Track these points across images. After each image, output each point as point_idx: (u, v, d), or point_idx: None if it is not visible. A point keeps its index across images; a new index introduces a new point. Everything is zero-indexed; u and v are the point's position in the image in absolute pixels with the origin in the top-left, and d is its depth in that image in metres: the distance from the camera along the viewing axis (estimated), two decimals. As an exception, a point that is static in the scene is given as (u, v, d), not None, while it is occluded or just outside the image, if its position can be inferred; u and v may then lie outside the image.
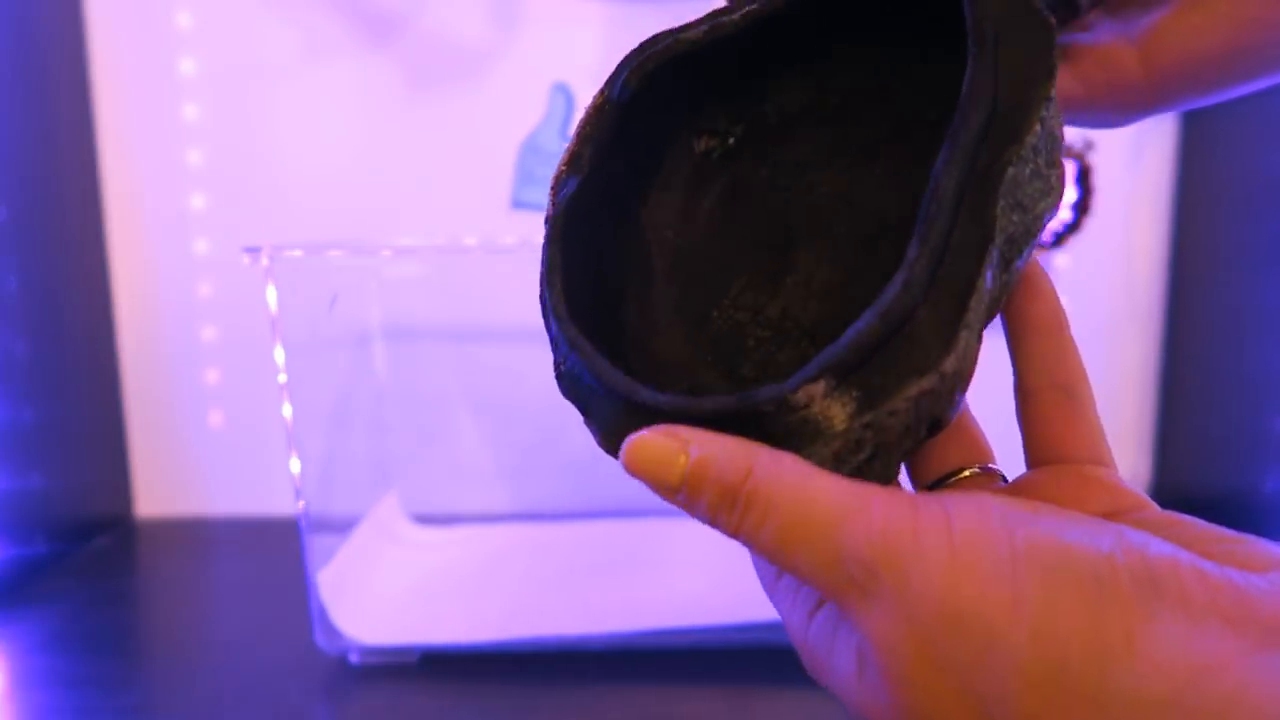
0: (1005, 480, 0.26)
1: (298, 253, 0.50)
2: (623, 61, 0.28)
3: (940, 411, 0.22)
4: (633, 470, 0.22)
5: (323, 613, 0.50)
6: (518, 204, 0.71)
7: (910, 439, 0.22)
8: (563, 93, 0.71)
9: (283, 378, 0.50)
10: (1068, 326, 0.26)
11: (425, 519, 0.68)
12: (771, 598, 0.24)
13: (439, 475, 0.72)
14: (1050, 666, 0.18)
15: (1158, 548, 0.19)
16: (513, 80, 0.71)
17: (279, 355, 0.50)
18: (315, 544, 0.51)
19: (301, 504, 0.51)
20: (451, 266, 0.68)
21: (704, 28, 0.28)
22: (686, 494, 0.21)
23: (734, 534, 0.21)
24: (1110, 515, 0.23)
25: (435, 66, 0.72)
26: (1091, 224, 0.71)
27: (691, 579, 0.59)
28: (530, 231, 0.71)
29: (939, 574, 0.19)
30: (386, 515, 0.66)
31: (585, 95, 0.70)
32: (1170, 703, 0.17)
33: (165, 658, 0.54)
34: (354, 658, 0.51)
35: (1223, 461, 0.67)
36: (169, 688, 0.49)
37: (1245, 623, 0.17)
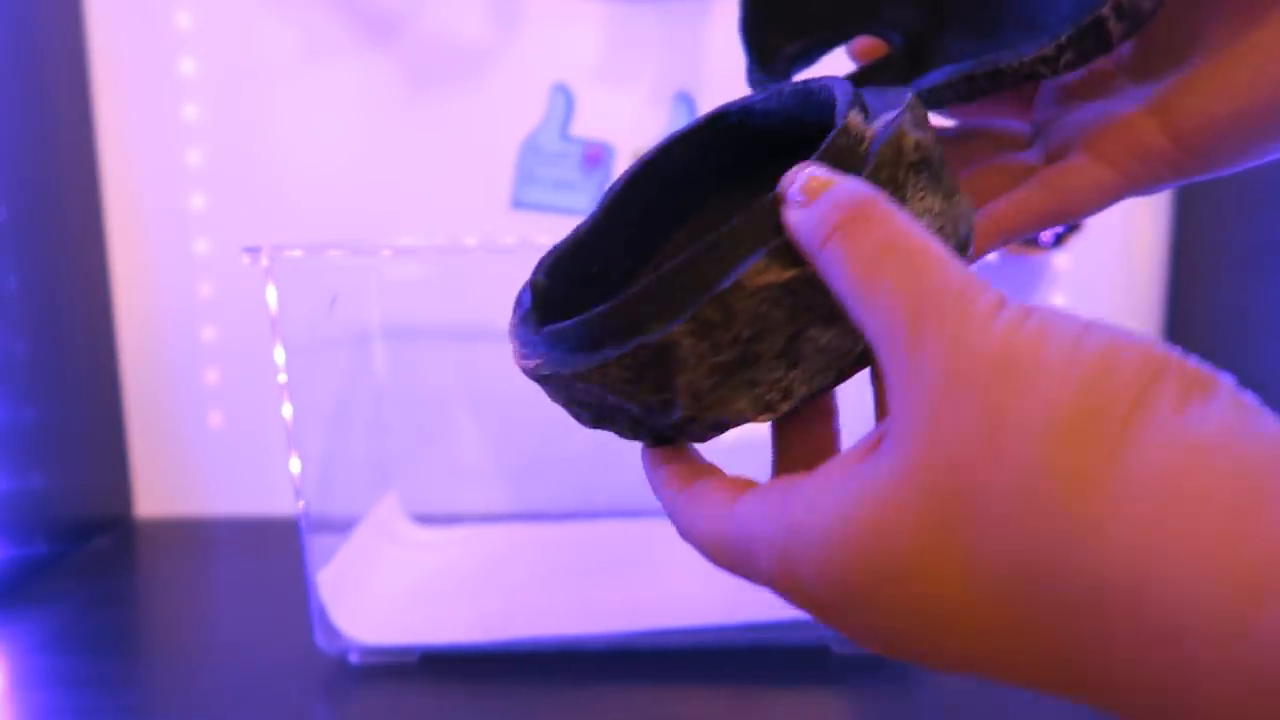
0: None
1: (298, 253, 0.50)
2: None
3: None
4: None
5: (323, 613, 0.50)
6: (518, 204, 0.71)
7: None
8: (563, 93, 0.71)
9: (283, 378, 0.50)
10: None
11: (425, 519, 0.68)
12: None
13: (439, 475, 0.72)
14: (1088, 410, 0.17)
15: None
16: (513, 80, 0.71)
17: (279, 355, 0.50)
18: (315, 544, 0.51)
19: (301, 504, 0.51)
20: (451, 266, 0.68)
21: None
22: (809, 200, 0.22)
23: (831, 236, 0.21)
24: None
25: (435, 66, 0.72)
26: (1091, 224, 0.71)
27: (692, 579, 0.59)
28: (530, 231, 0.71)
29: (1003, 325, 0.19)
30: (386, 515, 0.66)
31: (585, 95, 0.70)
32: (1203, 449, 0.17)
33: (165, 658, 0.54)
34: (354, 658, 0.51)
35: (1223, 461, 0.66)
36: (169, 688, 0.49)
37: None
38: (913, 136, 0.23)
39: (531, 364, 0.26)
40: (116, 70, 0.71)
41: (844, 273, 0.21)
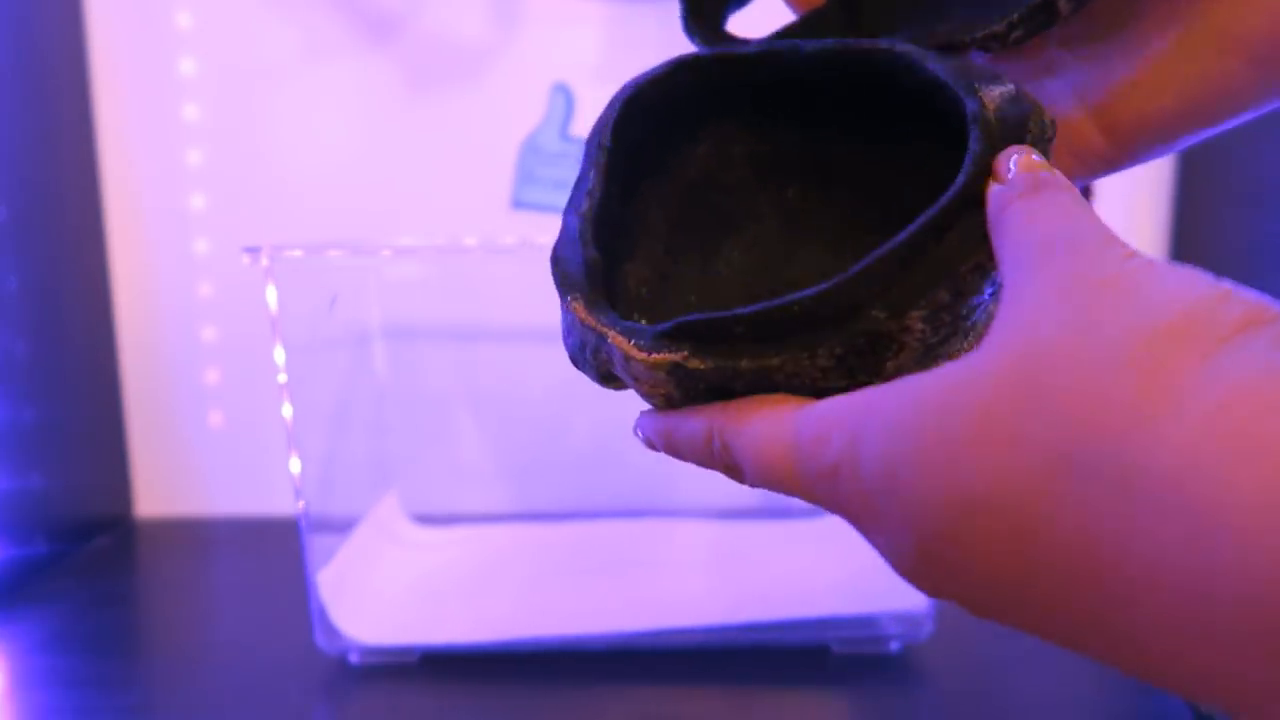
0: None
1: (298, 253, 0.50)
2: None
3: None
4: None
5: (323, 613, 0.50)
6: (518, 204, 0.71)
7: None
8: (563, 93, 0.71)
9: (283, 378, 0.50)
10: None
11: (425, 519, 0.68)
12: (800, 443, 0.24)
13: (439, 475, 0.72)
14: (1181, 331, 0.17)
15: None
16: (513, 80, 0.71)
17: (279, 355, 0.50)
18: (315, 544, 0.51)
19: (301, 504, 0.51)
20: (451, 266, 0.68)
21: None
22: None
23: (1023, 195, 0.22)
24: None
25: (435, 66, 0.72)
26: (1091, 224, 0.71)
27: (691, 579, 0.59)
28: (530, 231, 0.71)
29: (1127, 258, 0.19)
30: (386, 515, 0.66)
31: (585, 95, 0.70)
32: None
33: (165, 658, 0.54)
34: (354, 658, 0.51)
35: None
36: (169, 688, 0.49)
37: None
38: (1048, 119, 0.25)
39: (669, 357, 0.25)
40: (116, 70, 0.71)
41: (1017, 223, 0.22)
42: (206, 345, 0.74)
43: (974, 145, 0.24)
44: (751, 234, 0.32)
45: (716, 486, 0.73)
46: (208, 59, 0.71)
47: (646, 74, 0.30)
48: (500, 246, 0.53)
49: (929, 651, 0.52)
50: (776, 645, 0.52)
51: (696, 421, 0.26)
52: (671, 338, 0.25)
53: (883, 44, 0.27)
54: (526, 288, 0.73)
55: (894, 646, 0.52)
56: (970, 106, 0.24)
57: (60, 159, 0.68)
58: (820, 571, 0.58)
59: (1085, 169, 0.29)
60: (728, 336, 0.24)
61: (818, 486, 0.23)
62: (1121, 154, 0.28)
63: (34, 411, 0.64)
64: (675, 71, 0.30)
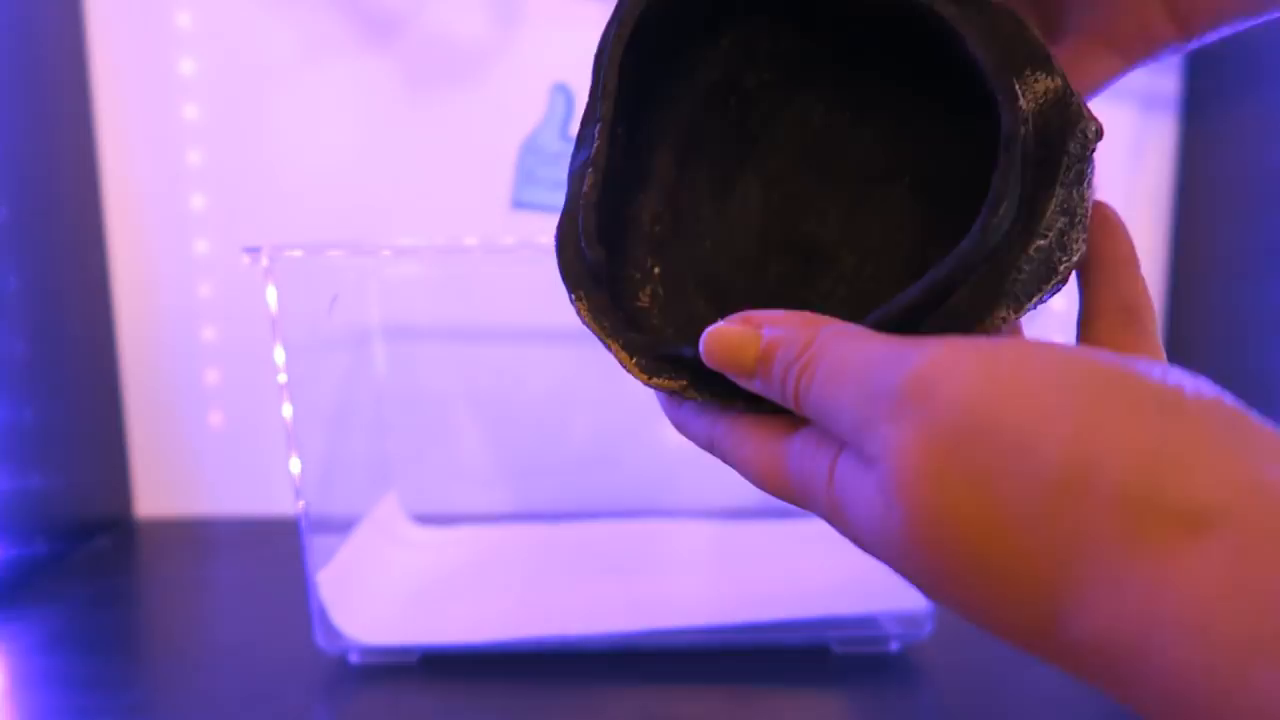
0: None
1: (298, 253, 0.50)
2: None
3: None
4: (712, 359, 0.23)
5: (323, 613, 0.50)
6: (518, 204, 0.71)
7: None
8: (563, 93, 0.71)
9: (283, 378, 0.50)
10: (1138, 265, 0.25)
11: (425, 519, 0.68)
12: (791, 464, 0.23)
13: (439, 475, 0.72)
14: (1081, 471, 0.16)
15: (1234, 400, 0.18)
16: (513, 80, 0.71)
17: (279, 355, 0.50)
18: (315, 544, 0.51)
19: (301, 504, 0.51)
20: (451, 266, 0.68)
21: None
22: (760, 376, 0.23)
23: (794, 399, 0.22)
24: None
25: (435, 66, 0.72)
26: (1091, 224, 0.71)
27: (691, 579, 0.59)
28: (530, 231, 0.71)
29: (969, 386, 0.18)
30: (386, 515, 0.66)
31: (585, 95, 0.70)
32: (1216, 512, 0.16)
33: (165, 658, 0.54)
34: (354, 658, 0.51)
35: (1223, 461, 0.66)
36: (169, 688, 0.49)
37: None
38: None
39: (669, 383, 0.25)
40: (116, 70, 0.71)
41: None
42: (206, 345, 0.74)
43: (997, 184, 0.22)
44: (769, 165, 0.30)
45: (716, 486, 0.73)
46: (208, 59, 0.71)
47: None
48: (500, 246, 0.53)
49: (929, 651, 0.52)
50: (776, 645, 0.52)
51: (698, 425, 0.26)
52: (673, 364, 0.25)
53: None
54: (526, 288, 0.73)
55: (894, 646, 0.52)
56: (1006, 123, 0.23)
57: (60, 159, 0.68)
58: (820, 571, 0.58)
59: (1151, 56, 0.28)
60: (726, 379, 0.24)
61: (813, 504, 0.23)
62: (1187, 37, 0.27)
63: (34, 411, 0.64)
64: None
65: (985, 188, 0.23)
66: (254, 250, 0.48)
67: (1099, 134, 0.24)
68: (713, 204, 0.30)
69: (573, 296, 0.27)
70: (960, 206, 0.26)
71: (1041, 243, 0.23)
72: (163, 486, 0.76)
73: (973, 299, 0.23)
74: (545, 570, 0.62)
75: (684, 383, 0.25)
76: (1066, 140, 0.24)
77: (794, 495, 0.24)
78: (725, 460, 0.26)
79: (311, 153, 0.72)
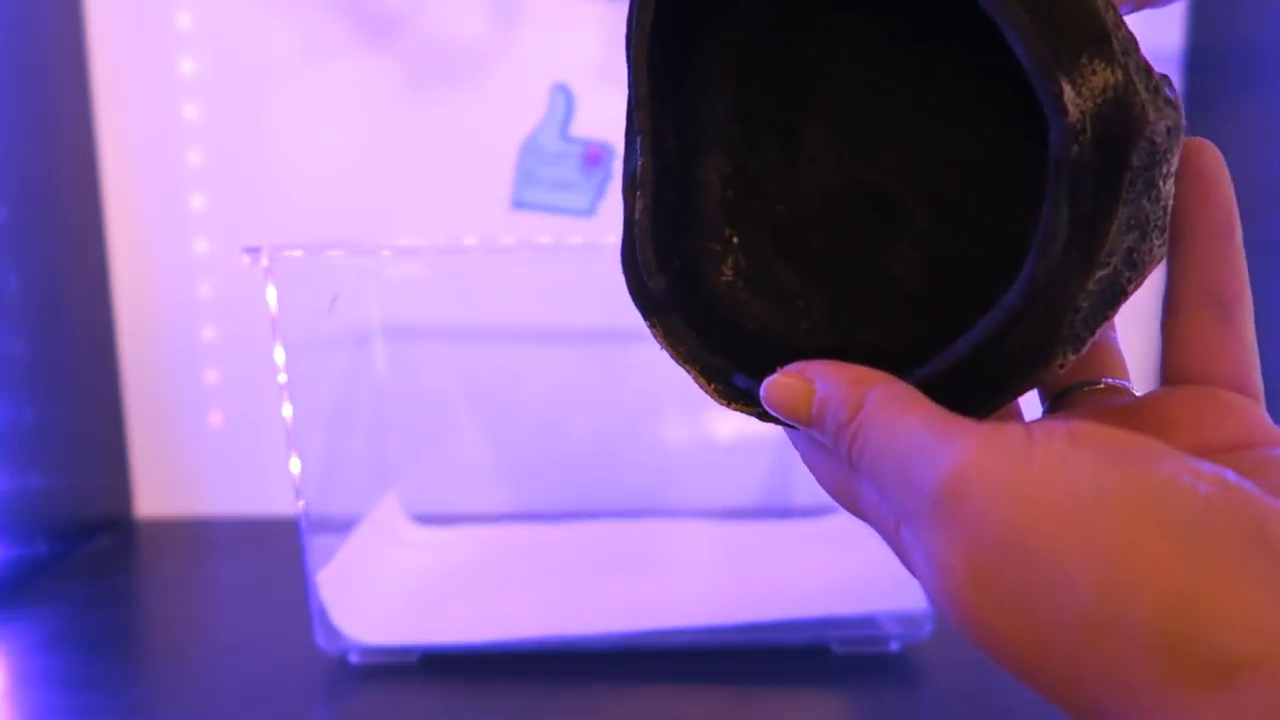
0: (1134, 396, 0.24)
1: (298, 253, 0.49)
2: None
3: None
4: (772, 408, 0.24)
5: (323, 613, 0.50)
6: (518, 204, 0.71)
7: None
8: (563, 93, 0.71)
9: (283, 378, 0.50)
10: (1238, 234, 0.23)
11: (425, 519, 0.68)
12: (863, 503, 0.24)
13: (439, 475, 0.72)
14: (1115, 614, 0.17)
15: (1271, 500, 0.17)
16: (513, 80, 0.71)
17: (279, 355, 0.50)
18: (315, 544, 0.51)
19: (301, 504, 0.50)
20: (451, 266, 0.68)
21: None
22: (817, 428, 0.23)
23: (848, 460, 0.22)
24: (1241, 448, 0.21)
25: (435, 66, 0.72)
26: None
27: (691, 579, 0.59)
28: (530, 232, 0.71)
29: (1005, 507, 0.18)
30: (386, 515, 0.66)
31: (585, 95, 0.70)
32: (1250, 661, 0.16)
33: (165, 658, 0.54)
34: (354, 658, 0.51)
35: (1223, 461, 0.66)
36: (169, 688, 0.49)
37: None
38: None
39: (745, 409, 0.25)
40: (116, 70, 0.71)
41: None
42: (206, 345, 0.74)
43: (1047, 220, 0.20)
44: (832, 111, 0.28)
45: (716, 486, 0.73)
46: (208, 59, 0.71)
47: None
48: (500, 246, 0.53)
49: (929, 651, 0.52)
50: (776, 645, 0.52)
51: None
52: (748, 393, 0.25)
53: None
54: (526, 288, 0.73)
55: (894, 646, 0.52)
56: (1054, 142, 0.20)
57: (60, 159, 0.68)
58: (820, 571, 0.58)
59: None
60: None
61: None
62: None
63: (34, 411, 0.64)
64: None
65: None
66: (254, 250, 0.48)
67: (1171, 131, 0.21)
68: (780, 160, 0.28)
69: (648, 322, 0.26)
70: (1033, 151, 0.23)
71: (1103, 273, 0.20)
72: (163, 486, 0.76)
73: (1024, 349, 0.21)
74: (545, 570, 0.62)
75: (759, 410, 0.25)
76: (1129, 151, 0.20)
77: (868, 521, 0.24)
78: (807, 466, 0.26)
79: (311, 153, 0.72)
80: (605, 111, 0.72)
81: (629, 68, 0.26)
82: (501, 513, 0.71)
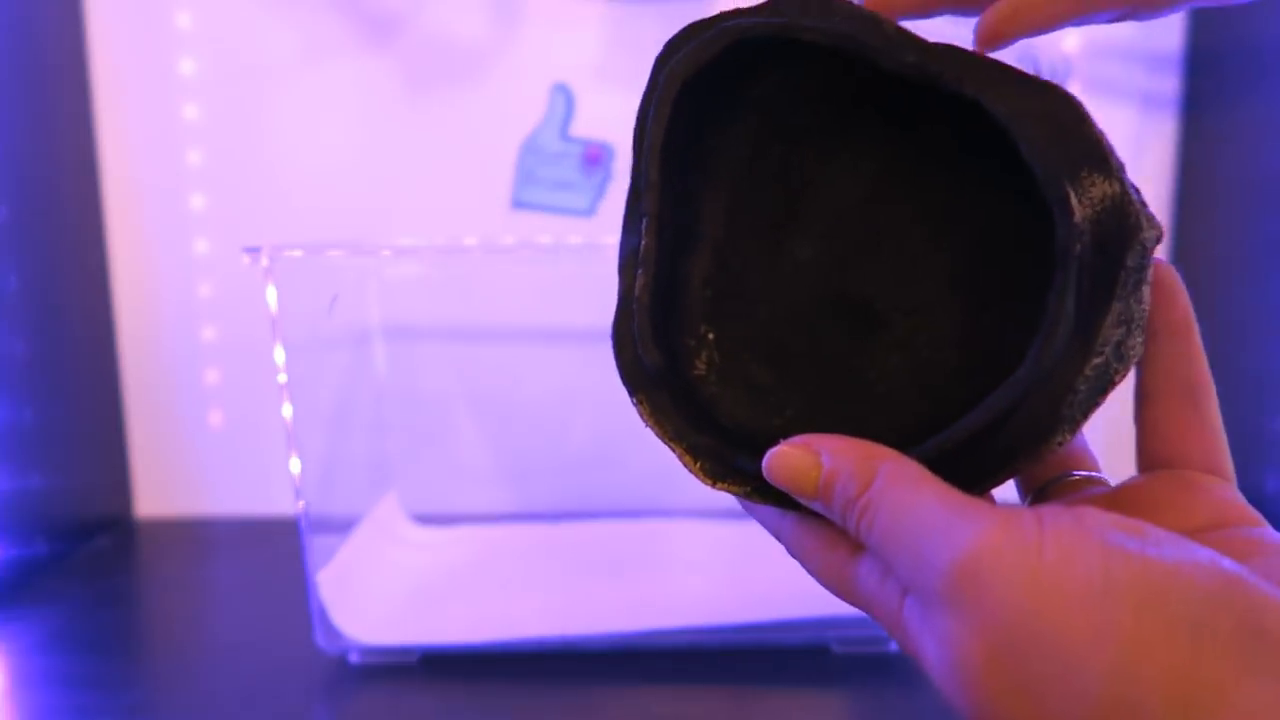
0: (1108, 485, 0.26)
1: (298, 253, 0.49)
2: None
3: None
4: (774, 479, 0.24)
5: (323, 613, 0.50)
6: (518, 204, 0.71)
7: None
8: (563, 93, 0.71)
9: (283, 378, 0.50)
10: (1196, 332, 0.25)
11: (425, 519, 0.68)
12: (860, 584, 0.24)
13: (439, 475, 0.72)
14: (1126, 703, 0.18)
15: (1264, 586, 0.18)
16: (513, 80, 0.71)
17: (279, 355, 0.50)
18: (315, 544, 0.51)
19: (301, 504, 0.51)
20: (451, 266, 0.68)
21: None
22: (823, 501, 0.23)
23: (856, 535, 0.23)
24: (1217, 528, 0.22)
25: (435, 66, 0.72)
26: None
27: (691, 579, 0.59)
28: (530, 232, 0.71)
29: (1020, 594, 0.19)
30: (386, 515, 0.66)
31: (585, 95, 0.70)
32: None
33: (165, 658, 0.54)
34: (354, 658, 0.51)
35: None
36: (169, 688, 0.49)
37: None
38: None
39: (732, 488, 0.26)
40: (116, 70, 0.71)
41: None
42: (206, 345, 0.74)
43: (1053, 307, 0.22)
44: (817, 223, 0.29)
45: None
46: (208, 59, 0.71)
47: (684, 64, 0.27)
48: (500, 246, 0.53)
49: (929, 651, 0.52)
50: (776, 645, 0.52)
51: (766, 515, 0.27)
52: (736, 472, 0.26)
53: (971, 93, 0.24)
54: (526, 288, 0.73)
55: (894, 646, 0.52)
56: (1061, 238, 0.22)
57: (60, 159, 0.68)
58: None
59: (1154, 7, 0.27)
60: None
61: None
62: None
63: (34, 411, 0.64)
64: (723, 53, 0.27)
65: (1038, 245, 0.23)
66: (254, 250, 0.48)
67: (1159, 239, 0.23)
68: (763, 265, 0.29)
69: (634, 399, 0.27)
70: (1014, 262, 0.26)
71: (1098, 360, 0.23)
72: (163, 486, 0.76)
73: (1028, 426, 0.23)
74: (545, 570, 0.62)
75: (748, 489, 0.26)
76: (1124, 253, 0.23)
77: (862, 607, 0.24)
78: (791, 553, 0.26)
79: (311, 153, 0.72)
80: (605, 111, 0.72)
81: (635, 149, 0.27)
82: (501, 513, 0.71)
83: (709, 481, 0.26)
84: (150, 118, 0.72)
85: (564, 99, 0.71)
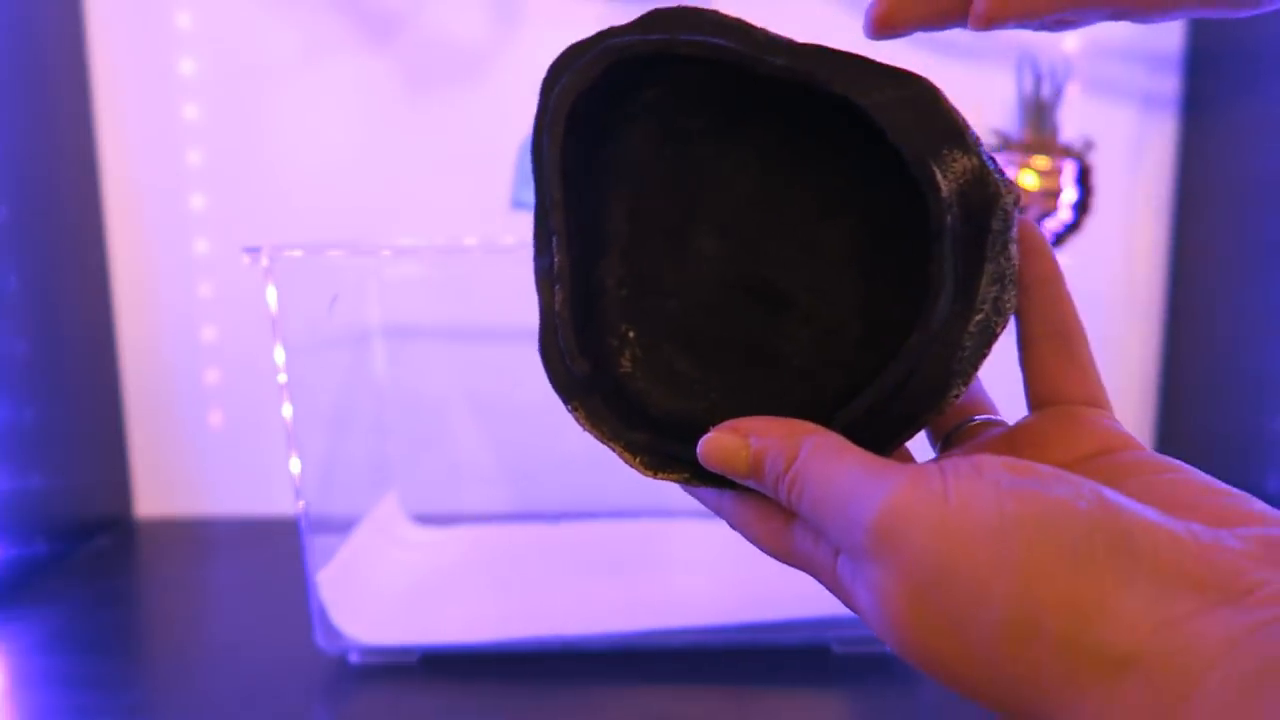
0: (1006, 425, 0.28)
1: (298, 253, 0.50)
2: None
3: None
4: (709, 464, 0.26)
5: (323, 613, 0.50)
6: (518, 204, 0.71)
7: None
8: (563, 93, 0.71)
9: (283, 378, 0.50)
10: (1064, 281, 0.28)
11: (425, 519, 0.68)
12: (796, 546, 0.26)
13: (439, 475, 0.72)
14: (1028, 623, 0.20)
15: (1136, 509, 0.21)
16: (513, 80, 0.71)
17: (279, 355, 0.50)
18: (315, 544, 0.51)
19: (301, 504, 0.51)
20: (451, 266, 0.68)
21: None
22: (754, 479, 0.26)
23: (788, 505, 0.25)
24: (1101, 454, 0.25)
25: (435, 66, 0.72)
26: (1091, 224, 0.71)
27: (691, 579, 0.59)
28: (530, 231, 0.71)
29: (932, 539, 0.21)
30: (386, 515, 0.66)
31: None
32: (1133, 656, 0.19)
33: (165, 658, 0.54)
34: (354, 658, 0.51)
35: (1223, 461, 0.67)
36: (169, 688, 0.49)
37: (1207, 582, 0.19)
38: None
39: (671, 477, 0.28)
40: (116, 70, 0.71)
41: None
42: (206, 345, 0.74)
43: (934, 276, 0.25)
44: (718, 214, 0.31)
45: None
46: (208, 59, 0.71)
47: (572, 84, 0.28)
48: (500, 246, 0.53)
49: (929, 651, 0.52)
50: (776, 645, 0.52)
51: (706, 494, 0.29)
52: (673, 460, 0.27)
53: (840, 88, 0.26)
54: (526, 288, 0.73)
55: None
56: (934, 215, 0.24)
57: (60, 159, 0.68)
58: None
59: (1114, 12, 0.28)
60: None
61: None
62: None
63: (34, 411, 0.64)
64: (608, 70, 0.29)
65: (921, 220, 0.25)
66: (254, 250, 0.48)
67: (1018, 203, 0.26)
68: (670, 261, 0.31)
69: (569, 407, 0.28)
70: (900, 238, 0.28)
71: (979, 317, 0.25)
72: (163, 486, 0.76)
73: (926, 385, 0.25)
74: (545, 570, 0.62)
75: (686, 475, 0.28)
76: (989, 218, 0.25)
77: (801, 568, 0.27)
78: (733, 528, 0.28)
79: (311, 153, 0.72)
80: (605, 111, 0.72)
81: (535, 172, 0.29)
82: (501, 513, 0.71)
83: (649, 473, 0.28)
84: (150, 118, 0.72)
85: (564, 99, 0.70)
